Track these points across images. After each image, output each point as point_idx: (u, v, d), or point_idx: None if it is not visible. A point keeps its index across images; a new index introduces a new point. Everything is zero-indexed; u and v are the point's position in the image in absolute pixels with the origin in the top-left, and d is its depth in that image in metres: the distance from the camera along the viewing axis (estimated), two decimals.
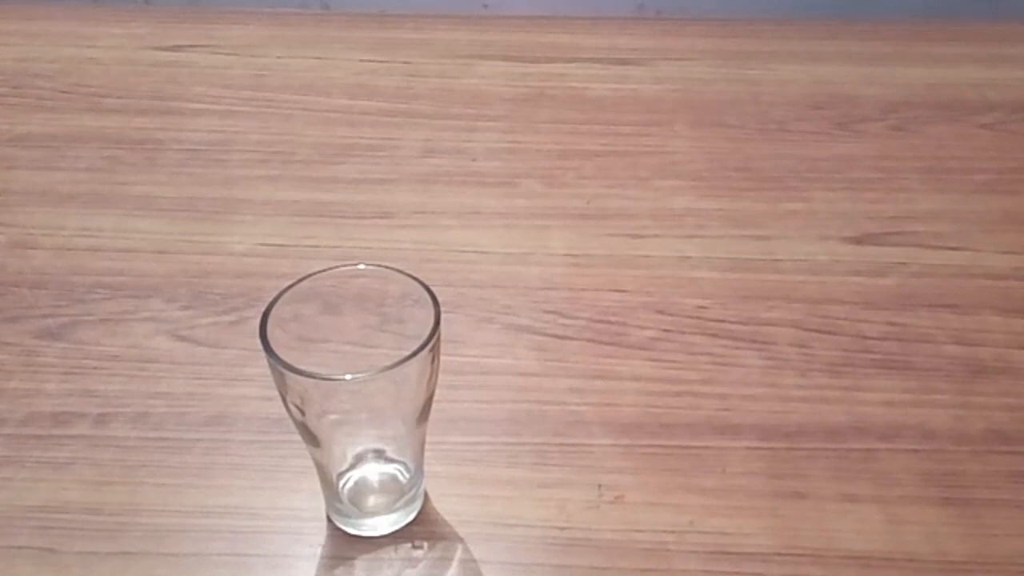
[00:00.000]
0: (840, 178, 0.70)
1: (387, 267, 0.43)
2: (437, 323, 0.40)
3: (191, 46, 0.86)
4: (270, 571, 0.44)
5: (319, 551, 0.45)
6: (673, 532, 0.46)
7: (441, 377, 0.42)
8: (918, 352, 0.55)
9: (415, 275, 0.42)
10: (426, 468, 0.46)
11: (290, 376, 0.38)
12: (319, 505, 0.46)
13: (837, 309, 0.58)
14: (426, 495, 0.47)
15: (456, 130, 0.75)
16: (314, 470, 0.45)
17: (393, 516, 0.46)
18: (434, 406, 0.43)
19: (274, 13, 0.92)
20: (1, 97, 0.79)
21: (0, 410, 0.51)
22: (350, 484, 0.45)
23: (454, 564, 0.45)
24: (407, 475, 0.46)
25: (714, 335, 0.56)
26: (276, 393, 0.41)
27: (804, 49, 0.87)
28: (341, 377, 0.38)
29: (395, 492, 0.46)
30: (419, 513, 0.46)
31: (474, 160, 0.72)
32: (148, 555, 0.45)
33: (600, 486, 0.48)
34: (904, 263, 0.62)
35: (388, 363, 0.38)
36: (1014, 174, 0.71)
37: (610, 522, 0.46)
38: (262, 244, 0.63)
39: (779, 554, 0.45)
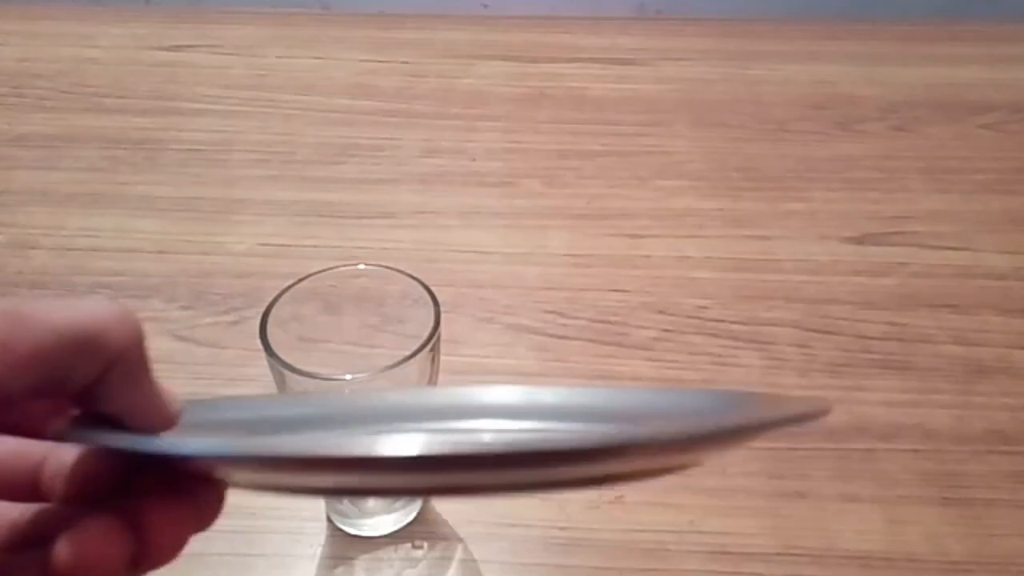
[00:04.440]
0: (840, 178, 0.70)
1: (387, 267, 0.43)
2: (437, 323, 0.40)
3: (191, 46, 0.86)
4: (270, 571, 0.44)
5: (319, 551, 0.45)
6: (673, 532, 0.46)
7: (441, 377, 0.42)
8: (918, 352, 0.55)
9: (415, 275, 0.42)
10: None
11: (290, 376, 0.38)
12: (319, 505, 0.46)
13: (837, 309, 0.58)
14: None
15: (456, 130, 0.75)
16: None
17: (393, 516, 0.46)
18: None
19: (274, 13, 0.92)
20: (1, 97, 0.79)
21: None
22: None
23: (454, 564, 0.45)
24: None
25: (714, 335, 0.56)
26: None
27: (804, 49, 0.87)
28: (341, 377, 0.38)
29: None
30: (419, 513, 0.46)
31: (474, 160, 0.72)
32: None
33: None
34: (904, 263, 0.62)
35: (388, 363, 0.38)
36: (1014, 174, 0.71)
37: (610, 522, 0.46)
38: (262, 244, 0.63)
39: (779, 554, 0.45)
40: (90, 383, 0.24)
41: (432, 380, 0.42)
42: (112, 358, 0.24)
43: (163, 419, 0.26)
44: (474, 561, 0.45)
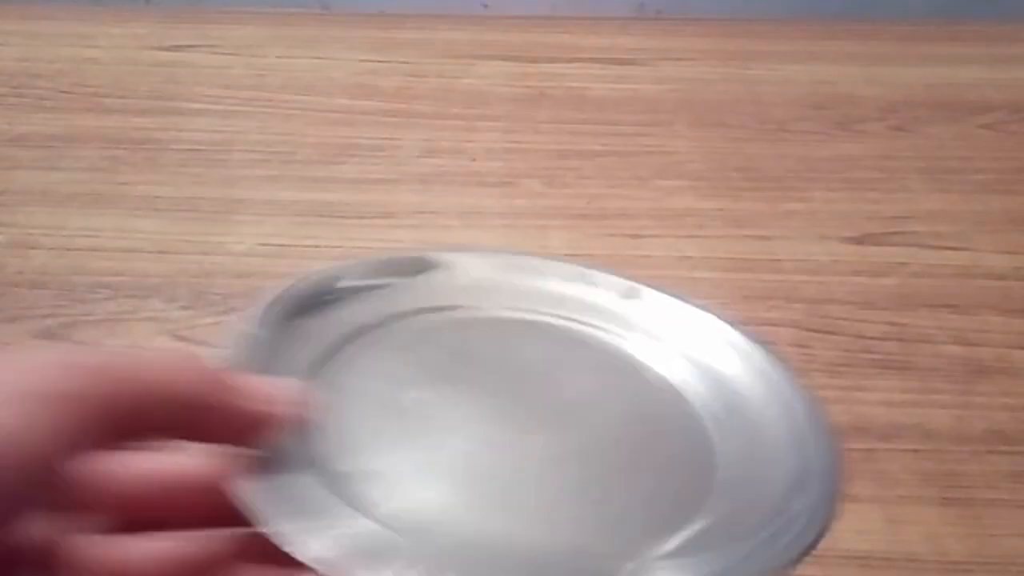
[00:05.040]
0: (840, 178, 0.70)
1: None
2: None
3: (191, 46, 0.86)
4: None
5: None
6: None
7: None
8: (918, 352, 0.55)
9: None
10: None
11: None
12: None
13: (837, 309, 0.58)
14: None
15: (456, 130, 0.75)
16: None
17: None
18: None
19: (274, 13, 0.92)
20: (1, 97, 0.79)
21: None
22: None
23: None
24: None
25: None
26: None
27: (804, 49, 0.87)
28: None
29: None
30: None
31: (474, 160, 0.72)
32: None
33: None
34: (904, 263, 0.62)
35: None
36: (1014, 174, 0.71)
37: None
38: (262, 244, 0.63)
39: None
40: (168, 429, 0.24)
41: None
42: (183, 405, 0.24)
43: (268, 424, 0.26)
44: None
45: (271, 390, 0.26)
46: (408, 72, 0.83)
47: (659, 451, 0.31)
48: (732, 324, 0.35)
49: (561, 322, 0.35)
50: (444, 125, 0.76)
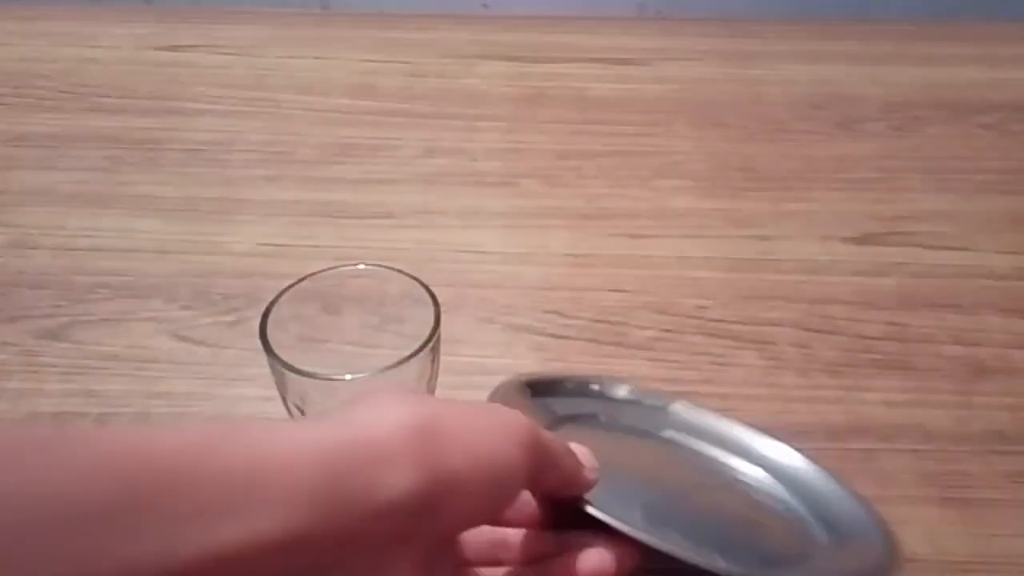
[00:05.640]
0: (841, 178, 0.70)
1: (387, 267, 0.43)
2: (437, 323, 0.40)
3: (192, 46, 0.86)
4: None
5: None
6: None
7: (441, 377, 0.42)
8: (918, 352, 0.55)
9: (415, 275, 0.42)
10: None
11: (290, 376, 0.38)
12: None
13: (837, 309, 0.58)
14: None
15: (457, 130, 0.75)
16: None
17: None
18: None
19: (275, 13, 0.92)
20: (1, 97, 0.79)
21: (0, 410, 0.51)
22: None
23: None
24: None
25: (714, 335, 0.56)
26: (276, 393, 0.41)
27: (805, 49, 0.87)
28: (341, 377, 0.38)
29: None
30: None
31: (475, 160, 0.72)
32: None
33: None
34: (904, 263, 0.62)
35: (388, 363, 0.38)
36: (1014, 174, 0.71)
37: None
38: (263, 244, 0.63)
39: None
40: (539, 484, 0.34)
41: (432, 381, 0.42)
42: (552, 468, 0.33)
43: (581, 487, 0.35)
44: None
45: (587, 456, 0.35)
46: (408, 72, 0.83)
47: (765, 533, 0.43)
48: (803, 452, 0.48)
49: (702, 448, 0.48)
50: (444, 125, 0.76)
